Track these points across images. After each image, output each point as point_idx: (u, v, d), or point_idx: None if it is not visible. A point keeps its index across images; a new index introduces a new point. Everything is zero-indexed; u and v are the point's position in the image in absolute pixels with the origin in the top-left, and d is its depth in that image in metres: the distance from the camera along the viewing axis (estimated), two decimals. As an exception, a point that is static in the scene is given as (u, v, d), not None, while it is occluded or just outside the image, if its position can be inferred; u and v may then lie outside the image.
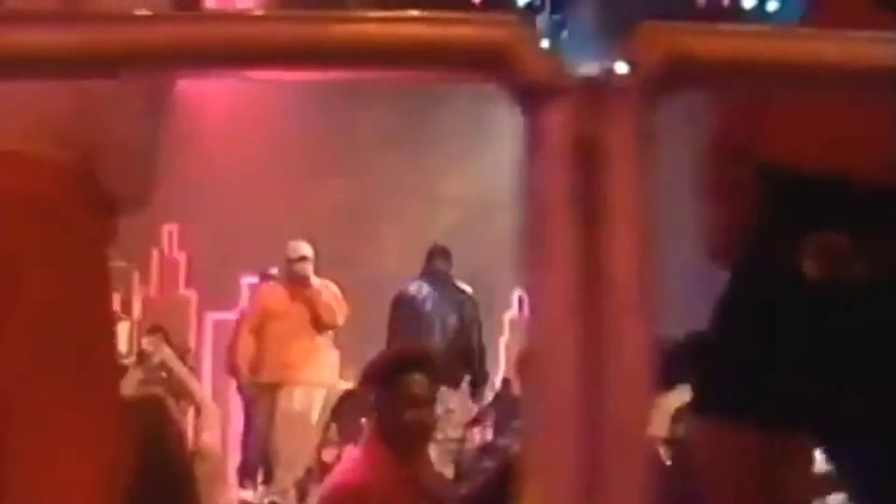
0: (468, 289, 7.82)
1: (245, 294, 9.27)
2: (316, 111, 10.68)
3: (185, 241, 9.98)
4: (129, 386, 5.57)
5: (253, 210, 10.62)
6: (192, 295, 9.94)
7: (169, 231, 10.08)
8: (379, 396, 3.76)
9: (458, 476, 6.36)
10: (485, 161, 10.12)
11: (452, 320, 7.53)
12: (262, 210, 10.63)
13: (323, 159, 10.44)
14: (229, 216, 10.56)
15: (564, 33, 9.93)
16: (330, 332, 7.72)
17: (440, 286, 7.59)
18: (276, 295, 7.73)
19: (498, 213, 9.88)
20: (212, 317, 9.72)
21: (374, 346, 9.61)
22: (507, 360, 9.08)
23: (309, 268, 7.61)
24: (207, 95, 10.38)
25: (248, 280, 9.20)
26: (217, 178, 10.71)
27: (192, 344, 9.08)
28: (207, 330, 9.70)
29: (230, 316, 8.67)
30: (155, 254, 10.08)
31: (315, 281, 7.61)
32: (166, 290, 9.94)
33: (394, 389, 3.66)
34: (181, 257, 10.07)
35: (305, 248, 7.63)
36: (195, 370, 7.68)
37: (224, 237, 9.72)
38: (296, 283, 7.59)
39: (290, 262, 7.62)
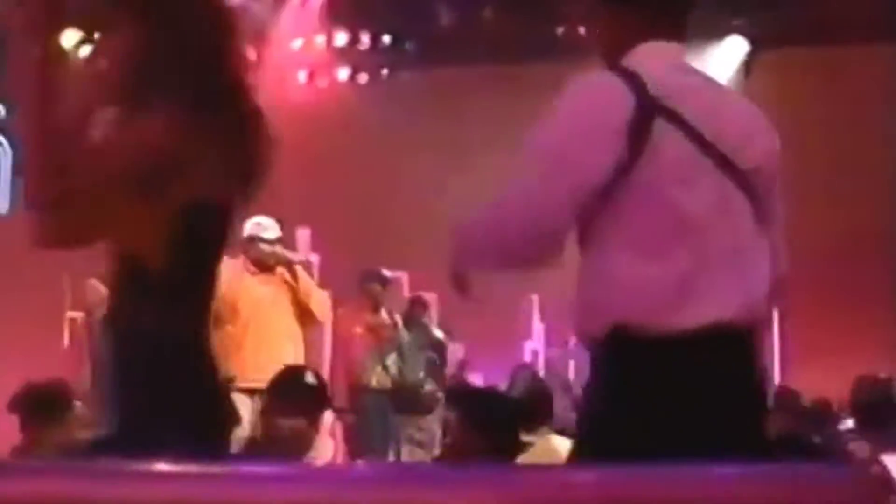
0: (440, 334, 8.36)
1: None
2: (424, 107, 10.86)
3: (317, 243, 10.33)
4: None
5: (380, 210, 10.90)
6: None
7: (301, 234, 10.44)
8: None
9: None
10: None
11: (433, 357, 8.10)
12: (389, 209, 10.91)
13: (443, 158, 10.63)
14: (358, 217, 10.86)
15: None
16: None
17: (417, 332, 8.13)
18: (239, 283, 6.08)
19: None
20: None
21: (506, 342, 9.76)
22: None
23: (281, 249, 6.28)
24: (320, 99, 10.63)
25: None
26: (343, 179, 11.00)
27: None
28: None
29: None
30: (289, 256, 10.48)
31: (294, 258, 6.43)
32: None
33: None
34: (315, 259, 10.42)
35: (276, 227, 6.23)
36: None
37: (354, 238, 10.01)
38: (264, 266, 6.22)
39: (256, 241, 6.15)
